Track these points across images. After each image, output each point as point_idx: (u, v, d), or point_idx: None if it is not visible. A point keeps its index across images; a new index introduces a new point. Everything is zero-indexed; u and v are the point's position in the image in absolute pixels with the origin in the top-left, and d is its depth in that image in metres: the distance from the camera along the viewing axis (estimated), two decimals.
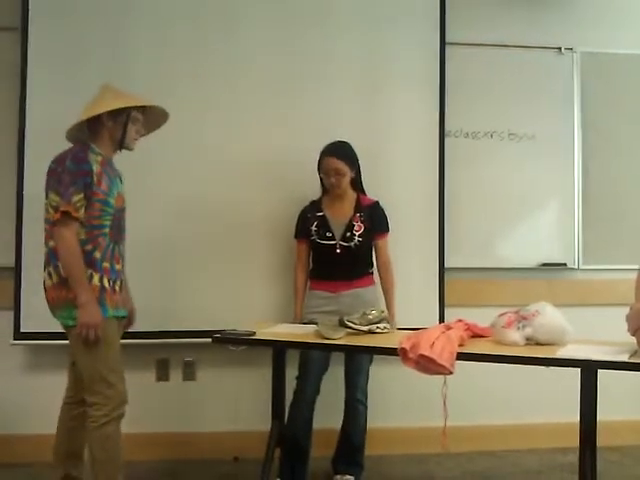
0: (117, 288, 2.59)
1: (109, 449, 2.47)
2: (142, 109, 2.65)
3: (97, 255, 2.50)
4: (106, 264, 2.53)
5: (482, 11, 3.70)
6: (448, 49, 3.57)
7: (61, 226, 2.44)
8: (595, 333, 2.58)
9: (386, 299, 3.16)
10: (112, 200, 2.54)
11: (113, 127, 2.58)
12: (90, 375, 2.48)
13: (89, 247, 2.48)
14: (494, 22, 3.70)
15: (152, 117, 2.72)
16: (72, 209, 2.42)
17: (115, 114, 2.55)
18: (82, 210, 2.45)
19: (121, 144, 2.63)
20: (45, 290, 2.53)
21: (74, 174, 2.44)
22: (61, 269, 2.46)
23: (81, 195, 2.44)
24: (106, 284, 2.52)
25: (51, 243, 2.50)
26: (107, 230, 2.53)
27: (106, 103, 2.53)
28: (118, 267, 2.60)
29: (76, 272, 2.43)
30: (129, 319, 2.78)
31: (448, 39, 3.57)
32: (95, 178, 2.48)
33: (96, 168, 2.49)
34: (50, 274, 2.51)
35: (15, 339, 3.28)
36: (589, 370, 2.32)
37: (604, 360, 2.21)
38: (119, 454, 2.51)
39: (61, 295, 2.47)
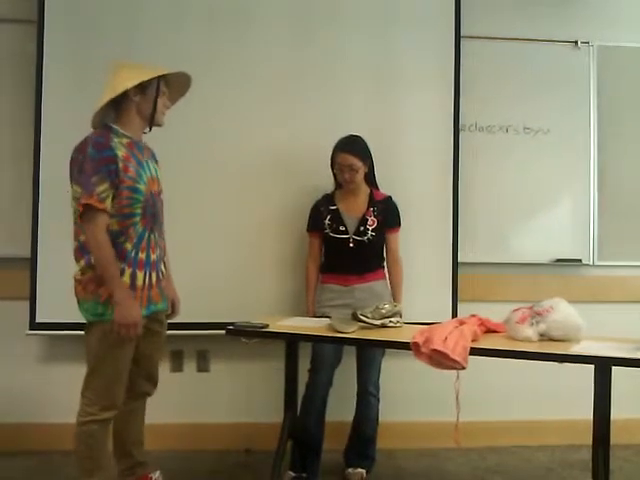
0: (153, 280, 2.50)
1: (91, 446, 2.43)
2: (165, 81, 2.52)
3: (128, 246, 2.40)
4: (141, 255, 2.44)
5: (498, 4, 3.66)
6: (463, 43, 3.54)
7: (87, 221, 2.33)
8: (609, 330, 2.57)
9: (394, 293, 3.16)
10: (141, 186, 2.42)
11: (142, 102, 2.45)
12: (93, 371, 2.45)
13: (121, 239, 2.39)
14: (510, 16, 3.66)
15: (173, 89, 2.59)
16: (95, 201, 2.30)
17: (144, 87, 2.42)
18: (108, 201, 2.33)
19: (151, 120, 2.51)
20: (75, 283, 2.45)
21: (97, 162, 2.31)
22: (93, 264, 2.36)
23: (106, 184, 2.31)
24: (138, 280, 2.43)
25: (81, 237, 2.39)
26: (138, 219, 2.42)
27: (132, 77, 2.38)
28: (154, 257, 2.50)
29: (109, 269, 2.33)
30: (172, 309, 2.72)
31: (463, 33, 3.54)
32: (121, 164, 2.35)
33: (121, 153, 2.37)
34: (81, 269, 2.41)
35: (31, 329, 3.30)
36: (603, 367, 2.31)
37: (618, 357, 2.20)
38: (102, 453, 2.46)
39: (88, 290, 2.38)
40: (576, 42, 3.66)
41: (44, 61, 3.29)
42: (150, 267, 2.49)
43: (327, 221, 3.12)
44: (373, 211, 3.12)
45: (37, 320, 3.29)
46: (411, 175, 3.48)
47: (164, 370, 3.45)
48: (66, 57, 3.31)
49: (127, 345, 2.44)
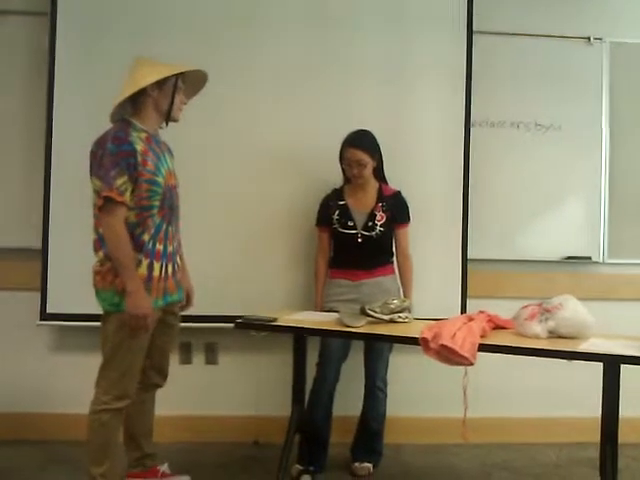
0: (169, 271, 2.54)
1: (103, 436, 2.47)
2: (182, 77, 2.57)
3: (145, 237, 2.45)
4: (159, 246, 2.49)
5: (510, 0, 3.64)
6: (475, 38, 3.52)
7: (105, 213, 2.38)
8: (619, 328, 2.57)
9: (404, 289, 3.16)
10: (160, 179, 2.47)
11: (159, 97, 2.50)
12: (108, 360, 2.48)
13: (139, 230, 2.44)
14: (522, 11, 3.64)
15: (189, 84, 2.63)
16: (115, 194, 2.35)
17: (161, 83, 2.48)
18: (127, 194, 2.38)
19: (167, 116, 2.56)
20: (93, 274, 2.49)
21: (115, 156, 2.36)
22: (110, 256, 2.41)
23: (124, 178, 2.36)
24: (155, 271, 2.47)
25: (101, 229, 2.43)
26: (155, 211, 2.46)
27: (151, 73, 2.45)
28: (170, 248, 2.55)
29: (123, 260, 2.38)
30: (187, 300, 2.77)
31: (475, 27, 3.52)
32: (140, 158, 2.40)
33: (140, 147, 2.42)
34: (100, 260, 2.46)
35: (41, 319, 3.33)
36: (612, 365, 2.30)
37: (627, 355, 2.20)
38: (111, 443, 2.50)
39: (107, 280, 2.42)
40: (589, 38, 3.64)
41: (56, 53, 3.30)
42: (167, 258, 2.53)
43: (336, 216, 3.12)
44: (382, 206, 3.11)
45: (48, 311, 3.32)
46: (421, 171, 3.47)
47: (173, 362, 3.46)
48: (78, 49, 3.32)
49: (142, 336, 2.47)
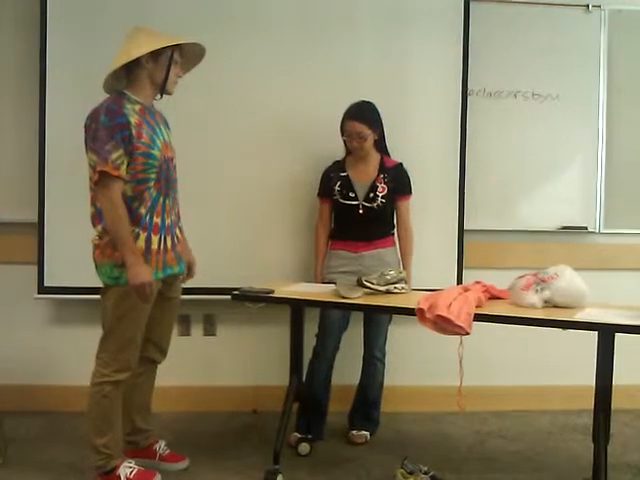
0: (168, 244, 2.54)
1: (104, 407, 2.49)
2: (179, 50, 2.53)
3: (142, 211, 2.44)
4: (156, 219, 2.48)
5: None
6: (472, 6, 3.47)
7: (102, 188, 2.36)
8: (614, 297, 2.58)
9: (403, 261, 3.17)
10: (155, 152, 2.45)
11: (154, 69, 2.46)
12: (108, 333, 2.50)
13: (135, 204, 2.42)
14: None
15: (186, 58, 2.60)
16: (110, 168, 2.33)
17: (156, 54, 2.43)
18: (123, 167, 2.36)
19: (162, 88, 2.52)
20: (93, 247, 2.50)
21: (110, 129, 2.33)
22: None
23: (120, 151, 2.34)
24: (153, 244, 2.47)
25: (98, 204, 2.43)
26: (152, 184, 2.45)
27: (145, 44, 2.40)
28: (168, 221, 2.54)
29: (121, 234, 2.37)
30: (188, 272, 2.77)
31: None
32: (134, 130, 2.37)
33: (134, 119, 2.39)
34: (99, 233, 2.46)
35: (39, 293, 3.34)
36: (606, 334, 2.32)
37: (622, 324, 2.21)
38: (113, 414, 2.53)
39: (106, 253, 2.43)
40: (587, 6, 3.59)
41: (48, 19, 3.23)
42: (165, 231, 2.53)
43: (337, 187, 3.11)
44: (383, 178, 3.10)
45: (45, 284, 3.32)
46: (418, 140, 3.46)
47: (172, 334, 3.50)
48: (70, 15, 3.26)
49: (141, 308, 2.48)
